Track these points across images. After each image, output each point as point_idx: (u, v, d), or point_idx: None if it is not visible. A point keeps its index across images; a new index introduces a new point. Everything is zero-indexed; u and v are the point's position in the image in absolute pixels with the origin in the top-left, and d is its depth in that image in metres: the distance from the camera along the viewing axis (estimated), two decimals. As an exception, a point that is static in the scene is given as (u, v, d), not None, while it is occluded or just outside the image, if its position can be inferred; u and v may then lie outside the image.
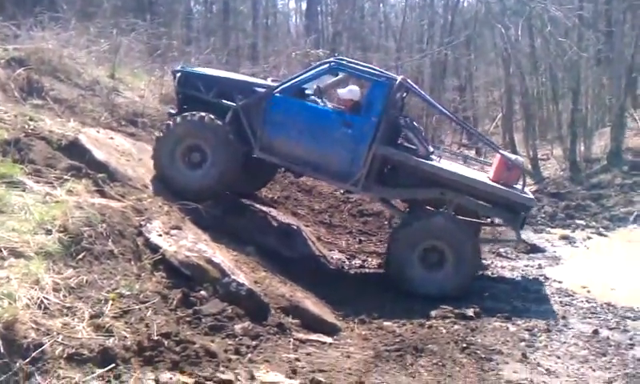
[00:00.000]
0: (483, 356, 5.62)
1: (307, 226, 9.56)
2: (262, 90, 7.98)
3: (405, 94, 8.67)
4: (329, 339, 5.82)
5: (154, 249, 5.68)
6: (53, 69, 9.27)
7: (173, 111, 8.33)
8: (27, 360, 3.49)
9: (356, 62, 8.44)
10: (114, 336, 4.04)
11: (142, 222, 6.01)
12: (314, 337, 5.73)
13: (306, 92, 8.30)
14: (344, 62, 8.19)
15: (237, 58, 15.50)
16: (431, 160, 8.07)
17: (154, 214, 6.34)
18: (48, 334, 3.73)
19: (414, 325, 6.44)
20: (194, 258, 5.81)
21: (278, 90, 7.92)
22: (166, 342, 4.24)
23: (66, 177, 5.95)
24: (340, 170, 7.87)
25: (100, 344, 3.87)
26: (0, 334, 3.46)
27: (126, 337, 4.10)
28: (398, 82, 7.87)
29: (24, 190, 5.31)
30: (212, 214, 7.50)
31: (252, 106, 7.90)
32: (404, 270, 7.58)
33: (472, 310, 7.01)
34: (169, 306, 5.00)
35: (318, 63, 8.74)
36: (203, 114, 7.66)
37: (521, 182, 7.93)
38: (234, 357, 4.64)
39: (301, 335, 5.66)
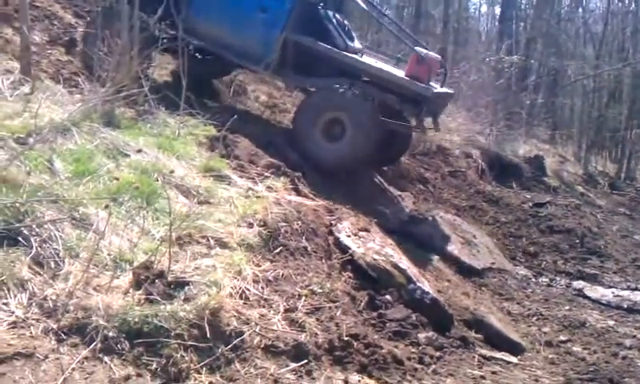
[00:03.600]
0: (687, 397, 5.15)
1: (492, 237, 9.30)
2: None
3: None
4: (514, 359, 5.58)
5: (344, 249, 5.78)
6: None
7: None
8: (229, 347, 3.70)
9: None
10: (306, 332, 4.16)
11: (333, 222, 6.17)
12: (498, 355, 5.53)
13: None
14: None
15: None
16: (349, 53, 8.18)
17: (343, 215, 6.49)
18: (247, 324, 3.93)
19: (606, 354, 6.02)
20: (382, 261, 5.84)
21: None
22: (355, 344, 4.29)
23: (266, 174, 6.27)
24: (254, 53, 8.25)
25: (294, 338, 4.01)
26: (207, 319, 3.68)
27: (317, 334, 4.21)
28: None
29: (229, 184, 5.65)
30: (397, 218, 7.55)
31: None
32: (306, 141, 7.90)
33: (673, 344, 6.47)
34: (356, 307, 5.06)
35: None
36: None
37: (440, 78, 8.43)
38: (418, 366, 4.60)
39: (485, 351, 5.49)
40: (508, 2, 24.19)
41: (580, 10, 24.25)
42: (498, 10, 27.27)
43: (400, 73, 8.33)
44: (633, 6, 23.06)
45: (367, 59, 8.62)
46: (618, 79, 21.11)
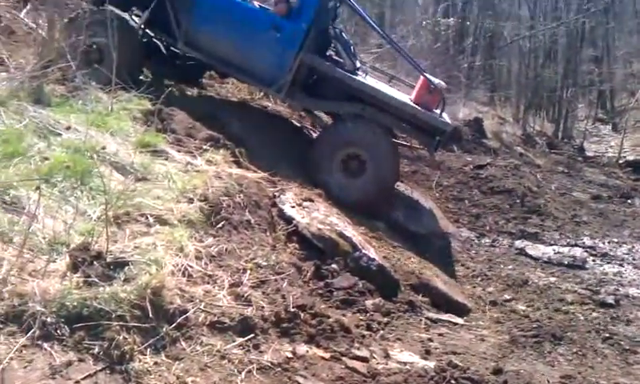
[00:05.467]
0: (627, 348, 5.31)
1: (435, 201, 9.38)
2: None
3: (338, 5, 8.43)
4: (460, 320, 5.69)
5: (288, 220, 5.74)
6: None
7: None
8: (173, 325, 3.61)
9: None
10: (252, 306, 4.10)
11: (276, 193, 6.11)
12: (445, 317, 5.61)
13: None
14: None
15: (364, 28, 15.38)
16: (357, 75, 7.96)
17: (286, 186, 6.42)
18: (191, 301, 3.84)
19: (549, 310, 6.19)
20: (326, 230, 5.82)
21: None
22: (302, 315, 4.26)
23: (205, 147, 6.12)
24: (265, 74, 7.74)
25: (240, 313, 3.94)
26: (149, 299, 3.58)
27: (263, 307, 4.17)
28: None
29: (167, 159, 5.49)
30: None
31: None
32: (324, 174, 7.53)
33: (612, 297, 6.68)
34: (303, 278, 5.04)
35: None
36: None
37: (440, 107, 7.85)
38: (366, 333, 4.61)
39: (431, 314, 5.56)
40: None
41: (514, -29, 24.48)
42: (433, -27, 27.39)
43: (405, 97, 8.10)
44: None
45: (373, 82, 8.28)
46: (552, 39, 21.49)
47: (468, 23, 19.83)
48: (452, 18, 17.76)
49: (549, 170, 13.85)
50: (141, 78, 7.71)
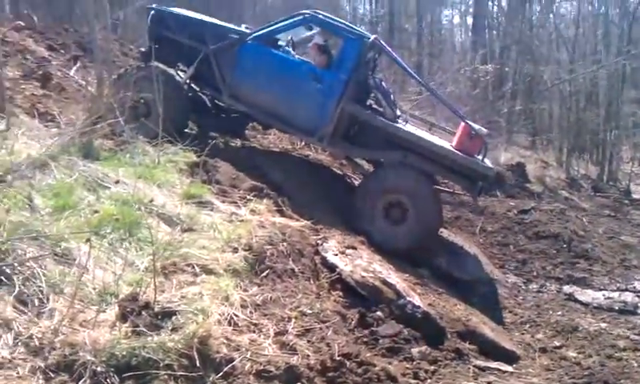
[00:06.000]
0: (684, 396, 5.13)
1: (479, 247, 9.28)
2: (236, 36, 7.98)
3: (377, 55, 8.52)
4: (509, 368, 5.56)
5: (331, 268, 5.74)
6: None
7: (143, 50, 8.41)
8: (219, 374, 3.62)
9: (332, 17, 8.30)
10: (297, 354, 4.09)
11: (319, 241, 6.13)
12: (493, 365, 5.49)
13: (279, 43, 8.29)
14: (318, 15, 8.06)
15: (402, 76, 15.54)
16: (397, 123, 8.02)
17: (329, 233, 6.45)
18: (237, 350, 3.86)
19: (601, 356, 6.01)
20: (370, 278, 5.80)
21: (251, 37, 7.93)
22: (347, 363, 4.23)
23: (249, 197, 6.23)
24: (307, 124, 7.91)
25: (285, 362, 3.93)
26: (196, 348, 3.61)
27: (309, 355, 4.15)
28: (370, 40, 7.83)
29: (212, 210, 5.62)
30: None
31: (223, 51, 7.93)
32: (366, 223, 7.54)
33: (667, 342, 6.48)
34: (348, 326, 5.01)
35: (292, 14, 8.39)
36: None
37: (482, 152, 7.89)
38: (413, 381, 4.55)
39: (479, 362, 5.46)
40: (480, 11, 24.46)
41: (551, 15, 24.46)
42: (470, 20, 27.62)
43: (447, 144, 8.16)
44: (602, 8, 23.40)
45: (413, 129, 8.37)
46: (593, 82, 21.33)
47: (507, 69, 19.83)
48: (490, 65, 17.82)
49: (595, 213, 13.57)
50: (186, 130, 7.92)
